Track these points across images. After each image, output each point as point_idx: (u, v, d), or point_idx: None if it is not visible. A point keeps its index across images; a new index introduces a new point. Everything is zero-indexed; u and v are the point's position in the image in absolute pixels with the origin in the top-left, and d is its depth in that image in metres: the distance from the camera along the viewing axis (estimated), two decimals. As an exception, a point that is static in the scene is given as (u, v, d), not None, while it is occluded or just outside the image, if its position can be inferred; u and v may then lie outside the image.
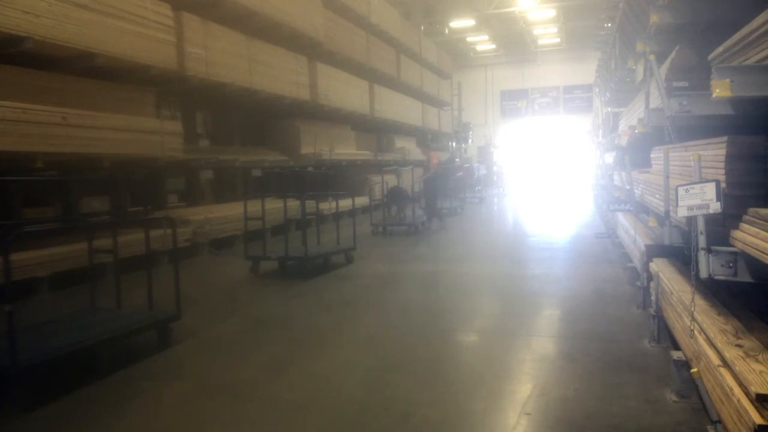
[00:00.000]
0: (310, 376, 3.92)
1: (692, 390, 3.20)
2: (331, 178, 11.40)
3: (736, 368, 2.29)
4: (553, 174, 29.39)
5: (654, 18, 5.02)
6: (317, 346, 4.59)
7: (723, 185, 2.80)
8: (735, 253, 2.80)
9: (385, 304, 6.00)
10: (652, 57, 5.14)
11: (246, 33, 10.38)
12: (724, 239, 2.85)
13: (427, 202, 13.23)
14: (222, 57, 9.52)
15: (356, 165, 16.03)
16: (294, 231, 9.31)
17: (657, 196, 4.61)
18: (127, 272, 5.51)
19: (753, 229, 2.55)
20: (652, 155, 5.04)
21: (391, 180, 14.31)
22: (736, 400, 2.19)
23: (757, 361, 2.34)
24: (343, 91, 14.49)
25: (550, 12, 23.39)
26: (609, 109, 11.52)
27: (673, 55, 4.86)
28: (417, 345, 4.55)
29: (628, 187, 6.84)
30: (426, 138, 23.83)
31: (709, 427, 2.82)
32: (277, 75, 11.30)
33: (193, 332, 4.84)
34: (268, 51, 11.08)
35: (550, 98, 30.88)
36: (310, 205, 9.87)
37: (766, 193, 2.75)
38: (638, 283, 5.20)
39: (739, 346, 2.53)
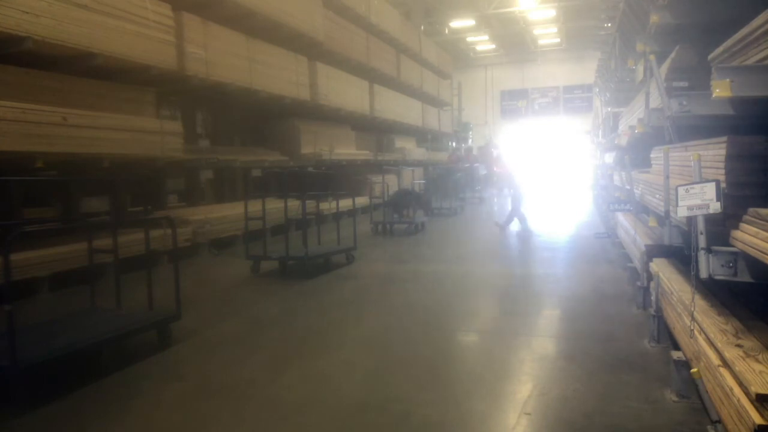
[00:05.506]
0: (310, 376, 3.92)
1: (692, 390, 3.20)
2: (331, 178, 11.38)
3: (736, 368, 2.29)
4: (553, 174, 29.36)
5: (654, 18, 5.02)
6: (317, 346, 4.59)
7: (723, 185, 2.79)
8: (735, 253, 2.80)
9: (386, 304, 6.00)
10: (652, 57, 5.13)
11: (246, 33, 10.38)
12: (724, 239, 2.85)
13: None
14: (222, 57, 9.52)
15: (356, 165, 16.03)
16: (294, 231, 9.30)
17: (657, 196, 4.61)
18: (127, 272, 5.50)
19: (753, 229, 2.55)
20: (652, 155, 5.03)
21: (391, 180, 14.33)
22: (736, 400, 2.19)
23: (757, 361, 2.34)
24: (343, 91, 14.49)
25: (550, 12, 23.41)
26: (609, 109, 11.52)
27: (673, 55, 4.85)
28: (417, 345, 4.55)
29: (628, 187, 6.84)
30: (426, 138, 23.82)
31: (709, 427, 2.82)
32: (277, 75, 11.30)
33: (193, 332, 4.84)
34: (268, 51, 11.08)
35: (550, 98, 30.89)
36: (311, 205, 9.87)
37: (766, 193, 2.75)
38: (638, 283, 5.20)
39: (739, 346, 2.52)
